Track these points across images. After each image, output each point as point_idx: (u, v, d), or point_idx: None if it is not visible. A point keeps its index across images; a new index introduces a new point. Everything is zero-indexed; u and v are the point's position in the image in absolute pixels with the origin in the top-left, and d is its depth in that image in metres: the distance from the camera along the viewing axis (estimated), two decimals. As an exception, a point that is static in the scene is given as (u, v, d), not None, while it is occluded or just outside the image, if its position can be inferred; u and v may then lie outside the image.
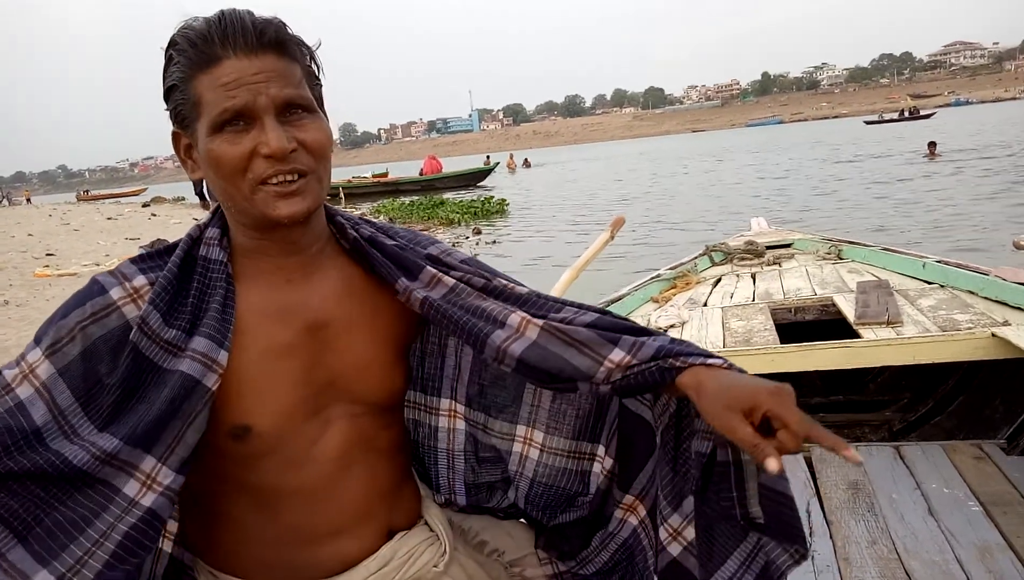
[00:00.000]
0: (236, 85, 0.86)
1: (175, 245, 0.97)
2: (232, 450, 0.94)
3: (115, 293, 0.90)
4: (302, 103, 0.90)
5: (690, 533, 1.04)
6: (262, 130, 0.87)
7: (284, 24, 0.91)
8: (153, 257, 0.96)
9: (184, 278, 0.93)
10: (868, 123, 58.37)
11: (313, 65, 0.94)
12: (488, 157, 36.15)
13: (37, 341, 0.88)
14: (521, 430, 1.19)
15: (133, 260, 0.95)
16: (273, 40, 0.88)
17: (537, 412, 1.18)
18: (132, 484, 0.86)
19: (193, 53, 0.87)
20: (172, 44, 0.89)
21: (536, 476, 1.20)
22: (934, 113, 60.74)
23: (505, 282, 1.06)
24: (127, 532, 0.86)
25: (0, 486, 0.84)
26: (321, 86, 0.96)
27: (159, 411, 0.86)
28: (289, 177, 0.89)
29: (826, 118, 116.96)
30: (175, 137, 0.94)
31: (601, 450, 1.17)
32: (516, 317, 0.99)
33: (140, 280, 0.92)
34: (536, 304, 1.03)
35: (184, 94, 0.89)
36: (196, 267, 0.94)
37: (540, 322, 0.99)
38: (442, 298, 1.01)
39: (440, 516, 1.15)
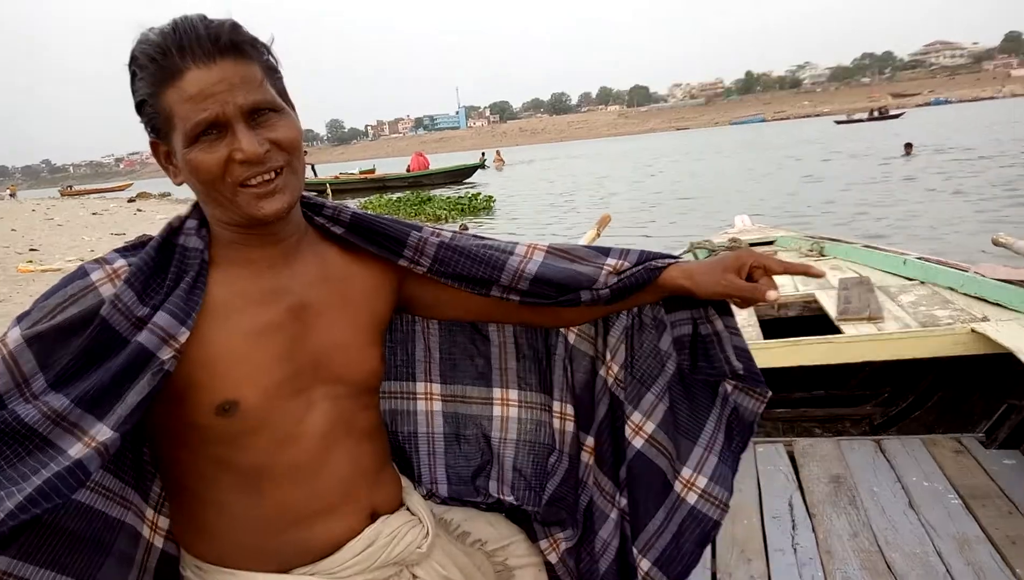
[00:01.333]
0: (203, 97, 0.88)
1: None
2: (220, 428, 0.96)
3: (95, 275, 0.93)
4: (267, 104, 0.93)
5: (650, 427, 1.23)
6: (235, 137, 0.90)
7: (237, 25, 0.92)
8: (136, 247, 0.99)
9: (162, 263, 0.96)
10: (838, 123, 59.38)
11: (271, 59, 0.96)
12: (483, 154, 36.54)
13: (19, 319, 0.91)
14: (497, 392, 1.30)
15: (117, 249, 0.99)
16: (228, 44, 0.89)
17: (507, 373, 1.30)
18: (78, 446, 0.87)
19: (154, 68, 0.89)
20: (133, 60, 0.91)
21: (520, 435, 1.29)
22: (903, 113, 61.91)
23: (479, 234, 1.20)
24: (48, 478, 0.84)
25: None
26: (282, 78, 0.98)
27: (111, 376, 0.88)
28: (267, 177, 0.93)
29: (808, 117, 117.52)
30: (154, 146, 0.97)
31: (557, 405, 1.30)
32: (522, 246, 1.15)
33: (119, 262, 0.95)
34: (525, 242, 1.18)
35: (155, 109, 0.91)
36: (174, 254, 0.97)
37: (544, 246, 1.16)
38: (446, 246, 1.12)
39: (421, 502, 1.19)
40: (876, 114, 58.79)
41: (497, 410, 1.29)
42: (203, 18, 0.89)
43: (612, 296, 1.13)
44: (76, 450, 0.86)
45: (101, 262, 0.95)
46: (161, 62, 0.88)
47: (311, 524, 1.04)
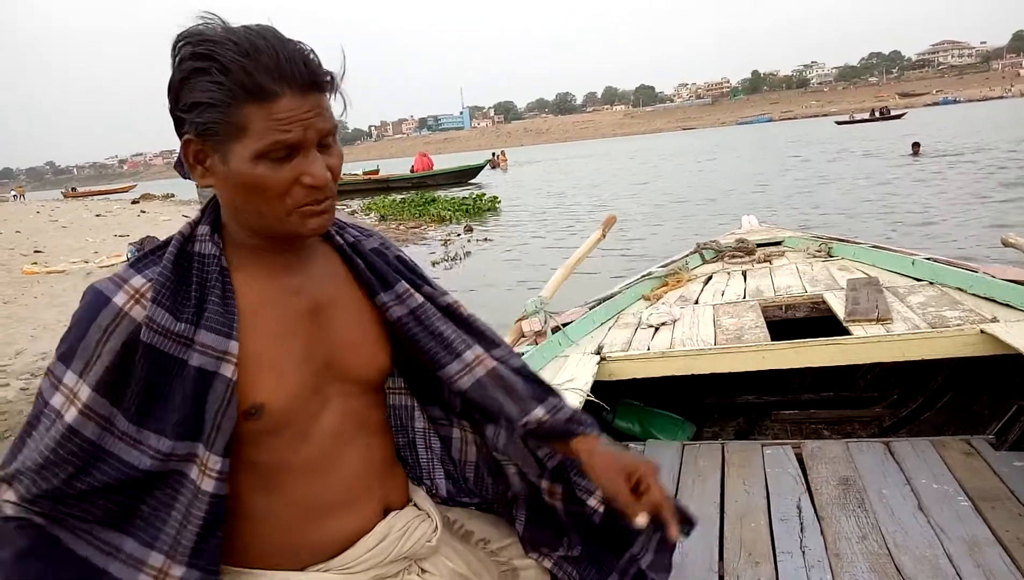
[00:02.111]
0: (289, 121, 0.90)
1: (166, 244, 1.00)
2: (244, 429, 0.98)
3: (119, 299, 0.93)
4: (334, 132, 0.97)
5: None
6: (305, 160, 0.93)
7: (328, 69, 0.95)
8: (146, 257, 0.99)
9: (182, 274, 0.97)
10: (839, 123, 59.02)
11: (338, 93, 0.99)
12: (494, 153, 37.00)
13: (64, 361, 0.93)
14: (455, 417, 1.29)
15: (130, 264, 0.99)
16: (322, 83, 0.93)
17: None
18: (193, 469, 0.96)
19: (246, 80, 0.88)
20: (207, 57, 0.88)
21: (480, 458, 1.28)
22: (904, 113, 61.80)
23: (453, 302, 1.17)
24: (203, 513, 0.96)
25: (94, 499, 0.94)
26: None
27: (190, 405, 0.94)
28: (321, 199, 0.96)
29: (815, 116, 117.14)
30: (187, 142, 0.94)
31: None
32: (471, 353, 1.13)
33: (138, 280, 0.95)
34: (481, 335, 1.16)
35: (224, 114, 0.90)
36: (193, 263, 0.98)
37: (492, 364, 1.13)
38: (410, 316, 1.11)
39: (427, 498, 1.22)
40: (877, 114, 58.73)
41: (456, 431, 1.29)
42: (302, 51, 0.91)
43: (525, 435, 1.15)
44: (201, 480, 0.95)
45: (118, 282, 0.95)
46: (257, 78, 0.88)
47: (329, 519, 1.06)
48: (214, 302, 0.95)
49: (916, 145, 23.08)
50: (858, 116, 64.39)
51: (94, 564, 0.94)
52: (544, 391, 1.17)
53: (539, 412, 1.13)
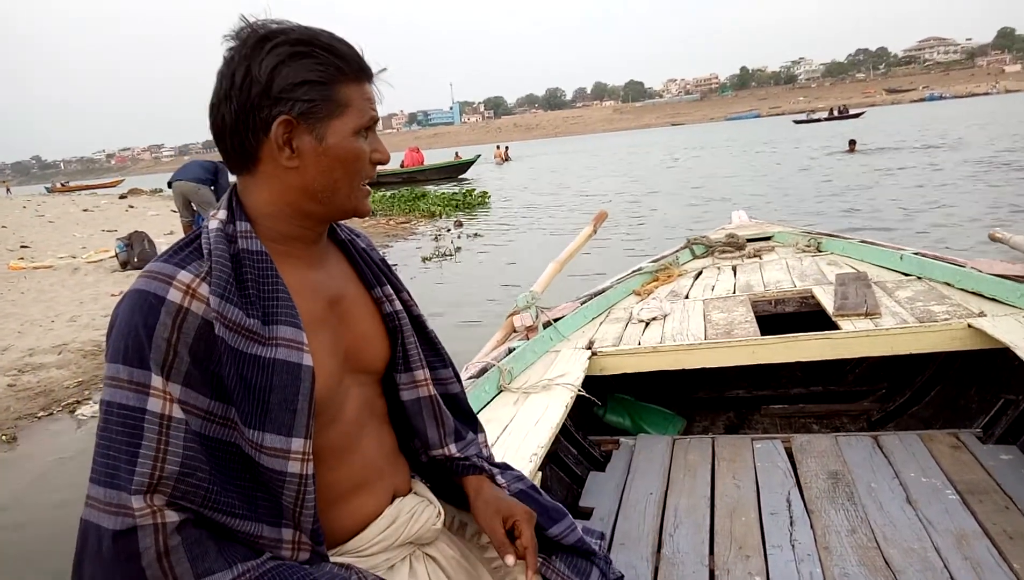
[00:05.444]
0: (372, 103, 1.04)
1: (192, 240, 1.00)
2: None
3: (173, 296, 0.93)
4: None
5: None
6: (374, 138, 1.05)
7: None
8: (179, 252, 0.98)
9: (236, 270, 0.98)
10: (797, 122, 59.35)
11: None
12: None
13: (139, 365, 0.90)
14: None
15: (165, 260, 0.97)
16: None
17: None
18: (294, 464, 0.97)
19: (345, 65, 1.00)
20: (308, 43, 0.97)
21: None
22: (863, 113, 62.89)
23: (422, 315, 1.25)
24: (314, 492, 0.99)
25: (227, 488, 0.95)
26: None
27: (283, 400, 0.95)
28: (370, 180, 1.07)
29: (803, 112, 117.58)
30: (286, 124, 0.97)
31: None
32: (421, 374, 1.21)
33: (185, 275, 0.95)
34: (436, 353, 1.26)
35: (326, 92, 0.98)
36: (242, 260, 0.98)
37: (432, 391, 1.22)
38: (392, 317, 1.18)
39: (425, 486, 1.26)
40: (836, 113, 59.37)
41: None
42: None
43: (432, 465, 1.25)
44: (306, 468, 0.98)
45: (163, 279, 0.93)
46: (352, 62, 1.01)
47: (344, 503, 1.10)
48: (282, 297, 0.98)
49: (852, 142, 24.53)
50: (816, 115, 64.80)
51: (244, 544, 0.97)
52: (467, 425, 1.29)
53: (453, 448, 1.24)
